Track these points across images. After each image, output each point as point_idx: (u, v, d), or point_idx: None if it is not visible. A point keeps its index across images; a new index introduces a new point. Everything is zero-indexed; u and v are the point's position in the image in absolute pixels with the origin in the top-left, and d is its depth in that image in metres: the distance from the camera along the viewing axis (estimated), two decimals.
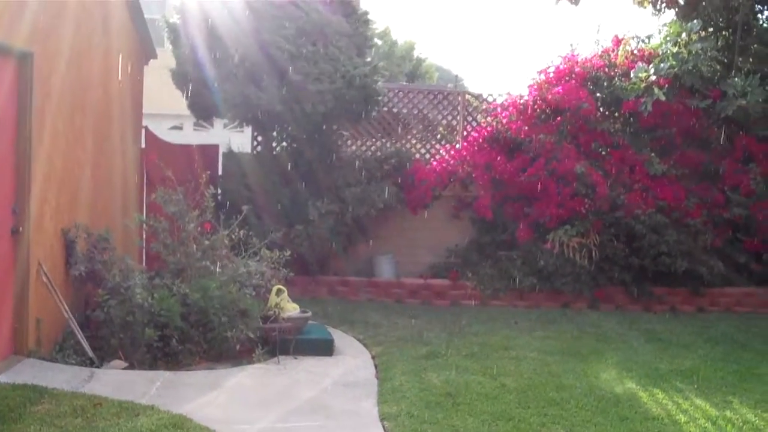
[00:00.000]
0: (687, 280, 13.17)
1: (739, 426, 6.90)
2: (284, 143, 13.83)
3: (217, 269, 9.17)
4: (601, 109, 14.08)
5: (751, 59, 14.50)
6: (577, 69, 13.96)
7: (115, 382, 7.33)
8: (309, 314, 9.61)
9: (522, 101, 13.87)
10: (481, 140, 13.86)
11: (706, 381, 8.41)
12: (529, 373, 8.42)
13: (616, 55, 14.17)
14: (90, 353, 8.01)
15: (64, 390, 6.78)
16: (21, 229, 7.65)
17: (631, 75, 13.56)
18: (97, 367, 7.84)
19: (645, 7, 15.24)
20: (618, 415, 7.02)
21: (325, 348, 9.11)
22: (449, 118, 15.03)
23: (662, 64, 13.34)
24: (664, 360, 9.37)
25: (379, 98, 13.18)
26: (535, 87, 13.98)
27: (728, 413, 7.27)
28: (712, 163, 13.78)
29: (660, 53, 13.83)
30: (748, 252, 13.57)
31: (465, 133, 14.56)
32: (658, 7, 15.24)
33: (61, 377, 7.20)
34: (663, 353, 9.75)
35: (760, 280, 13.60)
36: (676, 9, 14.89)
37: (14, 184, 7.63)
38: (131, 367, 7.95)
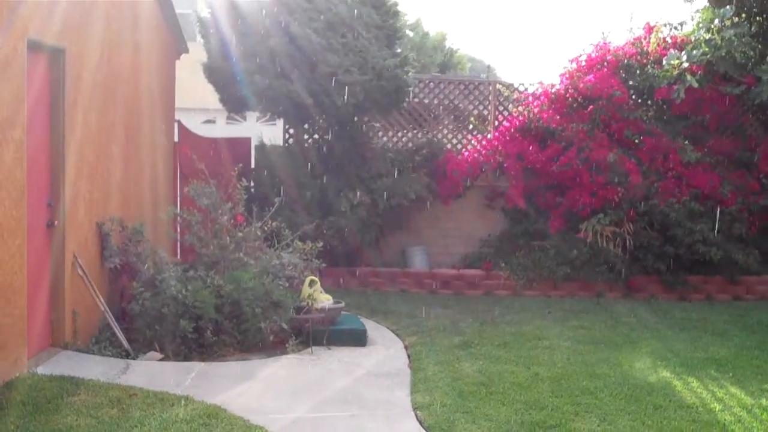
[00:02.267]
0: (722, 268, 13.03)
1: None
2: (316, 135, 13.87)
3: (251, 261, 9.22)
4: (634, 97, 13.99)
5: None
6: (609, 57, 13.86)
7: (150, 373, 7.41)
8: (342, 305, 9.64)
9: (554, 90, 13.79)
10: (512, 130, 13.81)
11: (742, 369, 8.35)
12: (563, 363, 8.40)
13: (648, 42, 14.04)
14: (125, 345, 8.11)
15: (100, 381, 6.87)
16: (56, 222, 7.76)
17: (664, 62, 13.44)
18: (133, 358, 7.93)
19: None
20: (652, 404, 6.99)
21: (358, 338, 9.14)
22: (480, 108, 14.99)
23: (695, 51, 13.21)
24: (698, 348, 9.30)
25: (410, 89, 13.19)
26: (567, 76, 13.91)
27: (764, 401, 7.21)
28: (746, 150, 13.64)
29: (692, 40, 13.68)
30: None
31: (496, 122, 14.52)
32: None
33: (97, 369, 7.29)
34: (698, 342, 9.68)
35: None
36: None
37: (48, 179, 7.74)
38: (166, 358, 8.03)
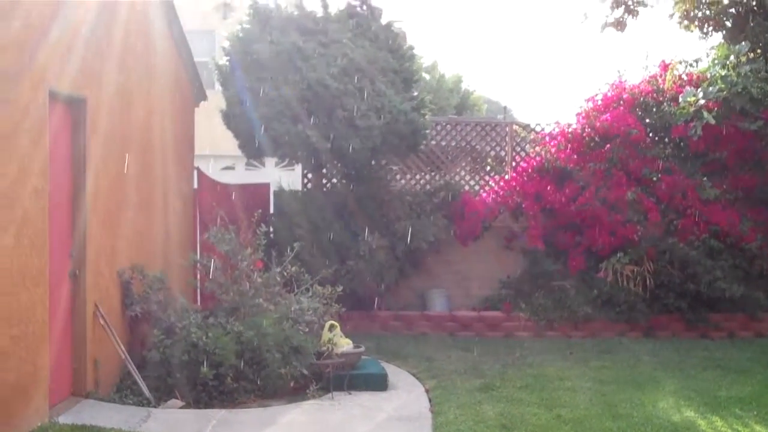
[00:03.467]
0: (744, 305, 12.94)
1: None
2: (334, 180, 13.97)
3: (270, 306, 9.24)
4: (651, 135, 13.98)
5: None
6: (625, 95, 13.90)
7: (171, 421, 7.42)
8: (362, 349, 9.63)
9: (570, 130, 13.83)
10: (530, 170, 13.82)
11: (766, 407, 8.26)
12: (585, 404, 8.35)
13: (664, 80, 14.07)
14: (147, 393, 8.12)
15: (122, 430, 6.90)
16: (78, 272, 7.83)
17: (680, 99, 13.45)
18: (154, 406, 7.94)
19: (692, 31, 15.14)
20: None
21: (379, 383, 9.12)
22: (497, 149, 15.03)
23: (711, 88, 13.22)
24: (722, 387, 9.22)
25: (427, 132, 13.26)
26: (583, 115, 13.95)
27: None
28: (765, 186, 13.60)
29: (708, 77, 13.70)
30: None
31: (514, 163, 14.55)
32: (705, 30, 15.12)
33: (118, 417, 7.31)
34: (721, 380, 9.60)
35: None
36: (724, 32, 14.80)
37: (70, 228, 7.82)
38: (187, 406, 8.04)
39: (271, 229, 12.93)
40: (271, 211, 13.77)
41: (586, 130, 13.71)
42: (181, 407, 7.99)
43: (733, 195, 13.41)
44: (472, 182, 14.78)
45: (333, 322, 9.62)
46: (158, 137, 10.43)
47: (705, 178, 13.44)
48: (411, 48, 13.30)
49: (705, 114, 12.94)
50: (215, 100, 13.49)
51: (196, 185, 12.53)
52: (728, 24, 14.70)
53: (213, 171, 15.82)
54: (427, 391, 9.06)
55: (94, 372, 8.00)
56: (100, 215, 8.24)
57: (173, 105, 11.20)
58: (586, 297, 12.98)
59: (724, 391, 9.00)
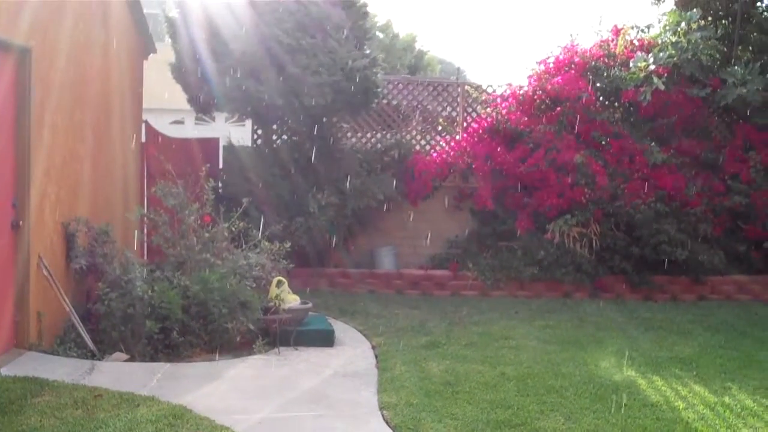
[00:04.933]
0: (688, 268, 13.18)
1: (738, 412, 6.92)
2: (284, 136, 13.86)
3: (218, 261, 9.19)
4: (601, 99, 14.10)
5: (750, 48, 14.54)
6: (576, 59, 13.98)
7: (115, 374, 7.37)
8: (309, 305, 9.64)
9: (522, 92, 13.91)
10: (481, 131, 13.89)
11: (705, 368, 8.44)
12: (529, 362, 8.45)
13: (616, 44, 14.17)
14: (91, 346, 8.05)
15: (65, 382, 6.82)
16: (21, 223, 7.69)
17: (631, 65, 13.58)
18: (99, 359, 7.88)
19: None
20: (616, 402, 7.04)
21: (325, 339, 9.14)
22: (449, 109, 15.03)
23: (661, 54, 13.35)
24: (663, 348, 9.40)
25: (379, 90, 13.19)
26: (535, 77, 14.01)
27: (727, 399, 7.29)
28: (711, 152, 13.81)
29: (659, 43, 13.84)
30: (749, 240, 13.61)
31: (465, 124, 14.58)
32: None
33: (62, 370, 7.24)
34: (663, 341, 9.79)
35: (760, 267, 13.61)
36: None
37: (14, 179, 7.67)
38: (132, 359, 7.98)
39: (220, 185, 12.83)
40: (221, 166, 13.65)
41: (538, 92, 13.80)
42: (126, 360, 7.93)
43: (680, 160, 13.60)
44: (423, 142, 14.78)
45: (280, 278, 9.60)
46: (106, 89, 10.27)
47: (653, 143, 13.62)
48: (365, 5, 13.16)
49: (655, 79, 13.08)
50: (165, 53, 13.29)
51: (144, 139, 12.38)
52: None
53: (162, 125, 15.56)
54: (373, 347, 9.10)
55: (38, 324, 7.90)
56: (45, 166, 8.10)
57: (122, 57, 11.01)
58: (533, 258, 13.12)
59: (665, 352, 9.17)
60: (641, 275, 13.16)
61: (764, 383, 7.90)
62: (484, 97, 14.65)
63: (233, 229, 9.75)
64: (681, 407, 6.98)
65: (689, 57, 13.27)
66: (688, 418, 6.68)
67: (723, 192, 13.44)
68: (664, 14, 14.68)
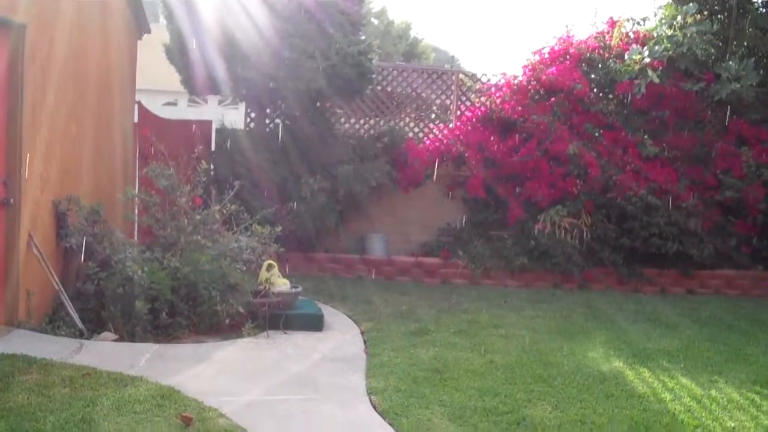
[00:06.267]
0: (677, 261, 13.24)
1: (724, 404, 6.94)
2: (277, 120, 13.82)
3: (208, 244, 9.17)
4: (595, 90, 14.11)
5: (745, 44, 14.53)
6: (571, 50, 13.96)
7: (104, 353, 7.35)
8: (299, 289, 9.63)
9: (516, 81, 13.89)
10: (474, 120, 13.88)
11: (693, 361, 8.47)
12: (518, 351, 8.46)
13: (611, 37, 14.16)
14: (80, 325, 8.03)
15: (53, 360, 6.80)
16: (12, 201, 7.66)
17: (626, 57, 13.57)
18: (87, 338, 7.86)
19: None
20: (604, 393, 7.06)
21: (314, 323, 9.14)
22: (443, 97, 15.02)
23: (657, 47, 13.35)
24: (651, 340, 9.42)
25: (373, 76, 13.18)
26: (530, 67, 14.00)
27: (713, 392, 7.31)
28: (704, 146, 13.83)
29: (655, 36, 13.83)
30: (739, 235, 13.66)
31: (459, 112, 14.57)
32: None
33: (50, 348, 7.21)
34: (651, 333, 9.81)
35: (749, 262, 13.66)
36: None
37: (5, 156, 7.63)
38: (121, 339, 7.97)
39: (212, 167, 12.77)
40: (213, 148, 13.61)
41: (532, 82, 13.78)
42: (115, 340, 7.92)
43: (672, 153, 13.61)
44: (416, 129, 14.76)
45: (271, 261, 9.59)
46: (100, 69, 10.22)
47: (646, 136, 13.63)
48: None
49: (649, 72, 13.07)
50: (159, 33, 13.23)
51: (136, 119, 12.33)
52: None
53: (155, 106, 15.52)
54: (362, 333, 9.10)
55: (27, 302, 7.88)
56: (38, 144, 8.06)
57: (116, 37, 10.96)
58: (524, 247, 13.15)
59: (653, 344, 9.19)
60: (631, 267, 13.21)
61: (750, 377, 7.93)
62: (478, 86, 14.64)
63: (224, 211, 9.73)
64: (668, 399, 7.00)
65: (684, 51, 13.27)
66: (675, 409, 6.70)
67: (714, 186, 13.48)
68: (660, 7, 14.66)
